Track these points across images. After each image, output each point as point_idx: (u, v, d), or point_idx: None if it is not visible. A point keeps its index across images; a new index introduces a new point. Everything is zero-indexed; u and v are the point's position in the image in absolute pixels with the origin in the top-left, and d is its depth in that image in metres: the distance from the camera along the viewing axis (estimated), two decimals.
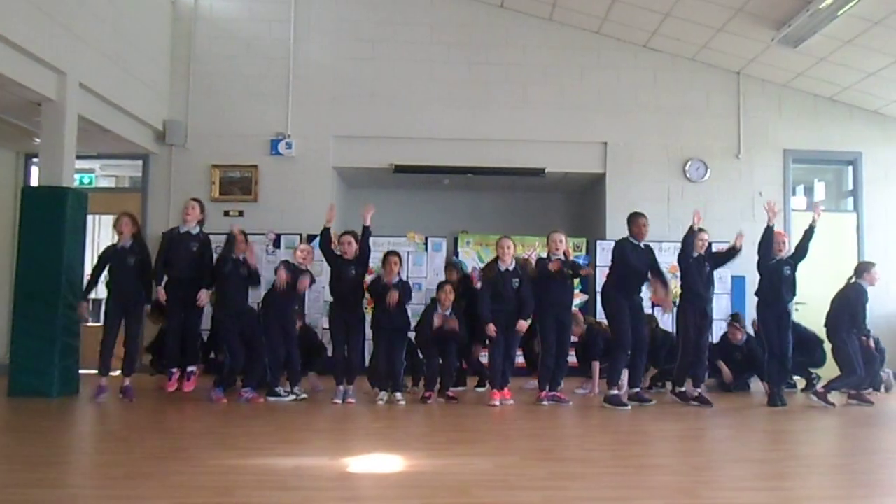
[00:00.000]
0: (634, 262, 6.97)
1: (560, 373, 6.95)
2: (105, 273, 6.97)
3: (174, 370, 7.01)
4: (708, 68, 9.91)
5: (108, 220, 9.79)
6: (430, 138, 9.75)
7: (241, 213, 9.40)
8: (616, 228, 9.59)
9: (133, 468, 4.31)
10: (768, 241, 7.20)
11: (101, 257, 7.07)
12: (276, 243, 9.21)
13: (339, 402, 6.67)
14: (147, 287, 7.01)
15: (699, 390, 7.02)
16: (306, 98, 9.69)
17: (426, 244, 9.44)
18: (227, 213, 9.39)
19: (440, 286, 7.21)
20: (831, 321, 7.23)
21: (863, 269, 7.40)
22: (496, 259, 7.05)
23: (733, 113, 9.91)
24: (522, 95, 9.85)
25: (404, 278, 7.33)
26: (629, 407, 6.65)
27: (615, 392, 6.76)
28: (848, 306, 7.18)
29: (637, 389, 6.94)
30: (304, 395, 6.95)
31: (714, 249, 7.39)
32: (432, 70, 9.83)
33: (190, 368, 7.02)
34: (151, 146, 9.36)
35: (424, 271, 9.26)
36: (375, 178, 10.42)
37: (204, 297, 6.87)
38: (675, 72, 9.91)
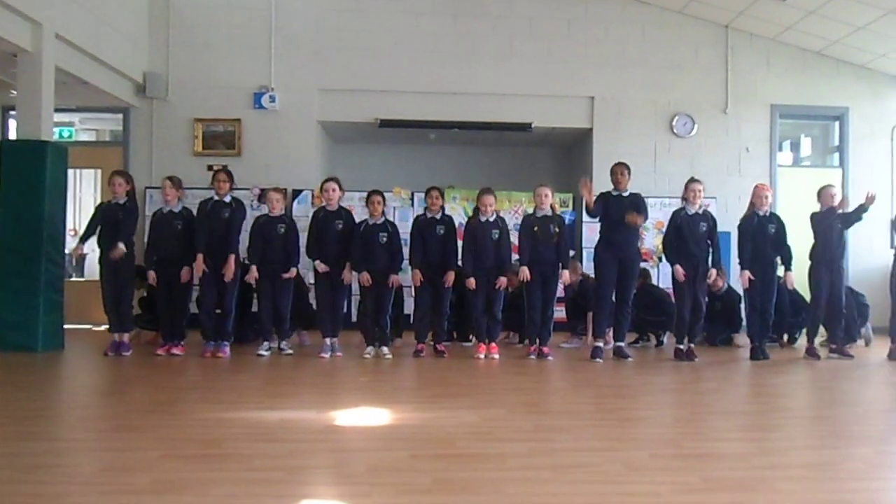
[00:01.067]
0: (614, 212, 6.89)
1: (546, 329, 6.93)
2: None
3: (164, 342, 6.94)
4: (696, 22, 9.84)
5: (89, 174, 9.73)
6: (415, 92, 9.66)
7: (224, 168, 9.29)
8: (603, 184, 9.59)
9: (121, 421, 4.34)
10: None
11: (93, 214, 7.04)
12: (261, 199, 9.14)
13: (327, 356, 6.70)
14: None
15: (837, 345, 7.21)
16: (289, 50, 9.56)
17: (412, 199, 9.42)
18: (210, 168, 9.27)
19: (428, 190, 7.17)
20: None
21: (819, 194, 7.46)
22: (476, 211, 7.03)
23: (721, 68, 9.87)
24: (509, 48, 9.76)
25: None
26: (600, 360, 6.75)
27: (598, 344, 6.87)
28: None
29: (621, 344, 7.01)
30: (290, 351, 6.97)
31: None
32: (418, 22, 9.70)
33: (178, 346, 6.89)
34: (132, 99, 9.23)
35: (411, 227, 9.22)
36: (361, 133, 10.35)
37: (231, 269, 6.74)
38: (664, 25, 9.84)
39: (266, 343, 6.75)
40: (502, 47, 9.74)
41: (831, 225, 7.27)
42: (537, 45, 9.76)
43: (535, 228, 6.79)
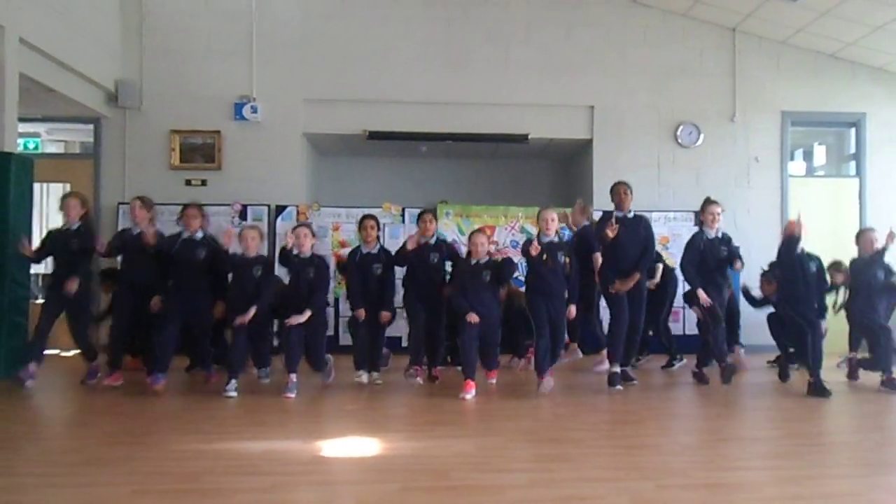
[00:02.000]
0: (621, 236, 6.63)
1: (553, 357, 6.63)
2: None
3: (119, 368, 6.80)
4: (701, 25, 9.91)
5: (57, 188, 9.70)
6: (406, 102, 9.68)
7: (203, 183, 9.31)
8: (604, 197, 9.62)
9: (89, 454, 4.30)
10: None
11: (42, 241, 6.92)
12: (243, 215, 9.15)
13: (291, 395, 6.25)
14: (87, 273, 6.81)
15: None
16: (272, 58, 9.58)
17: (403, 215, 9.40)
18: (188, 183, 9.31)
19: (420, 214, 7.13)
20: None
21: (858, 238, 7.32)
22: (468, 254, 6.79)
23: (728, 73, 9.92)
24: (504, 56, 9.80)
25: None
26: (622, 386, 6.63)
27: (616, 370, 6.63)
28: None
29: (625, 369, 6.93)
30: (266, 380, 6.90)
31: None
32: (408, 28, 9.74)
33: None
34: (103, 109, 9.22)
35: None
36: (348, 145, 10.36)
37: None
38: (667, 29, 9.90)
39: (233, 382, 6.33)
40: (497, 55, 9.79)
41: (875, 274, 7.02)
42: (534, 52, 9.81)
43: (544, 257, 6.50)
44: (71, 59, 8.17)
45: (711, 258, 6.93)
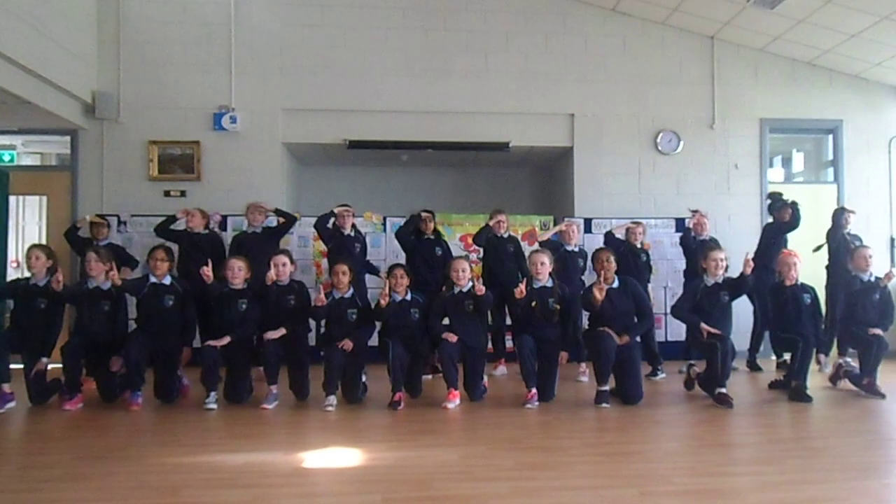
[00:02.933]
0: (607, 309, 6.39)
1: (549, 383, 6.49)
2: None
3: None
4: (680, 33, 9.99)
5: (34, 201, 9.62)
6: (385, 111, 9.68)
7: (182, 194, 9.26)
8: (584, 205, 9.72)
9: (67, 469, 4.25)
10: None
11: (4, 291, 6.73)
12: (223, 226, 9.10)
13: (269, 407, 6.19)
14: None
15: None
16: (251, 68, 9.55)
17: (384, 224, 9.39)
18: (167, 194, 9.25)
19: (391, 269, 6.74)
20: None
21: (853, 256, 7.38)
22: (452, 283, 6.57)
23: (707, 81, 10.00)
24: (483, 64, 9.83)
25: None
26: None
27: (604, 388, 6.36)
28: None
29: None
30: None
31: None
32: (387, 37, 9.75)
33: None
34: (80, 120, 9.15)
35: (383, 253, 9.22)
36: (329, 155, 10.35)
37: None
38: (646, 37, 9.97)
39: (213, 394, 6.24)
40: (477, 63, 9.82)
41: (870, 298, 7.02)
42: (514, 61, 9.85)
43: (533, 304, 6.38)
44: (47, 70, 8.10)
45: (710, 305, 6.58)
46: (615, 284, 6.52)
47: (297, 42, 9.63)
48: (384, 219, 9.41)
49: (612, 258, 6.60)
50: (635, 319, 6.52)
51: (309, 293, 6.77)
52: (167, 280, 6.55)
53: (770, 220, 8.73)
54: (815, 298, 6.93)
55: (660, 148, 9.91)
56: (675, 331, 8.81)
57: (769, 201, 8.70)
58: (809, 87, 10.07)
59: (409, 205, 10.22)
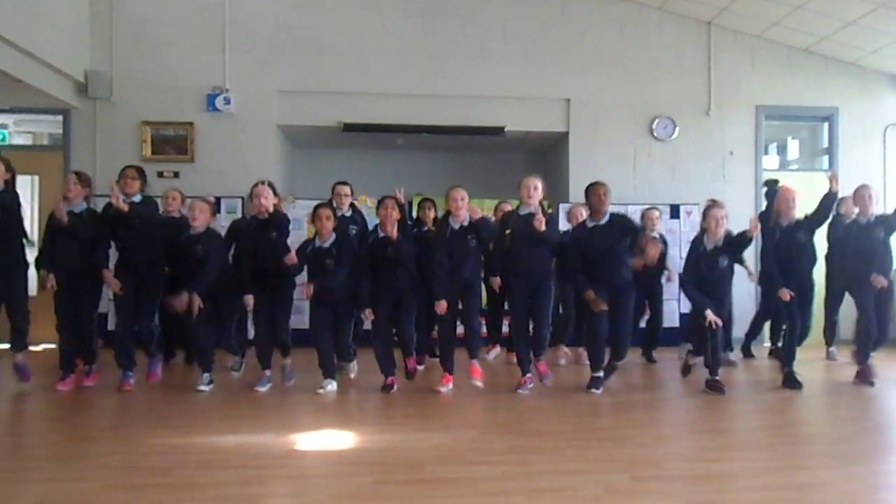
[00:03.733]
0: (597, 245, 6.16)
1: (539, 347, 6.33)
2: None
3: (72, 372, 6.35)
4: (677, 19, 9.96)
5: (25, 180, 9.54)
6: (381, 94, 9.64)
7: (176, 175, 9.22)
8: (580, 191, 9.57)
9: (61, 449, 4.27)
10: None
11: (47, 224, 6.47)
12: (216, 208, 9.04)
13: (262, 390, 6.17)
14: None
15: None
16: (246, 49, 9.49)
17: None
18: (161, 175, 9.21)
19: (380, 201, 6.37)
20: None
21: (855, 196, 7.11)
22: (447, 214, 6.33)
23: (703, 67, 9.98)
24: (480, 49, 9.79)
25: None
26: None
27: (598, 374, 6.31)
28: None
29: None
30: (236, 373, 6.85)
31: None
32: (384, 20, 9.70)
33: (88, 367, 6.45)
34: (72, 100, 9.09)
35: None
36: (323, 138, 10.31)
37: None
38: (643, 23, 9.94)
39: (206, 375, 6.19)
40: (474, 48, 9.78)
41: (874, 236, 6.77)
42: (510, 46, 9.81)
43: (507, 232, 6.16)
44: (38, 48, 8.04)
45: (708, 269, 6.33)
46: (604, 221, 6.22)
47: (292, 23, 9.57)
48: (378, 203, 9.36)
49: (607, 192, 6.23)
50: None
51: (289, 223, 6.43)
52: (137, 198, 6.32)
53: (764, 207, 8.73)
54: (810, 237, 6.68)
55: (655, 134, 9.91)
56: (669, 317, 8.80)
57: (765, 188, 8.69)
58: (806, 74, 10.06)
59: (404, 188, 10.18)
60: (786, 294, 6.41)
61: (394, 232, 6.17)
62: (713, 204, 6.41)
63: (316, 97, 9.60)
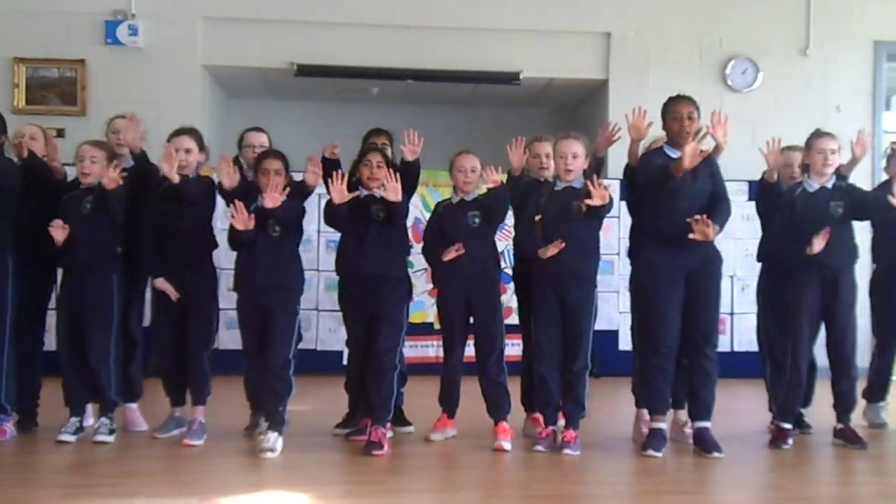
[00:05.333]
0: (677, 189, 5.81)
1: (573, 399, 5.95)
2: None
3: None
4: None
5: None
6: (350, 25, 9.67)
7: (60, 133, 9.13)
8: (623, 160, 9.63)
9: None
10: None
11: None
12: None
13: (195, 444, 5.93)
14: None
15: None
16: None
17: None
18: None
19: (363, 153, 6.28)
20: None
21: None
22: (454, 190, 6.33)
23: None
24: None
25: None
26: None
27: (660, 426, 5.90)
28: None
29: (706, 425, 5.95)
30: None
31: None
32: None
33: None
34: None
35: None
36: (269, 84, 10.31)
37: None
38: None
39: (74, 419, 5.98)
40: None
41: None
42: None
43: (537, 218, 5.93)
44: None
45: (816, 216, 6.01)
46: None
47: None
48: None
49: (696, 113, 6.05)
50: None
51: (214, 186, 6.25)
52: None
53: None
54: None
55: (729, 82, 9.92)
56: (746, 338, 8.72)
57: (888, 153, 8.23)
58: None
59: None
60: None
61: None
62: (820, 133, 6.30)
63: (258, 27, 9.65)
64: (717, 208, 5.80)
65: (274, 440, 5.57)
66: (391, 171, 5.89)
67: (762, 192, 6.80)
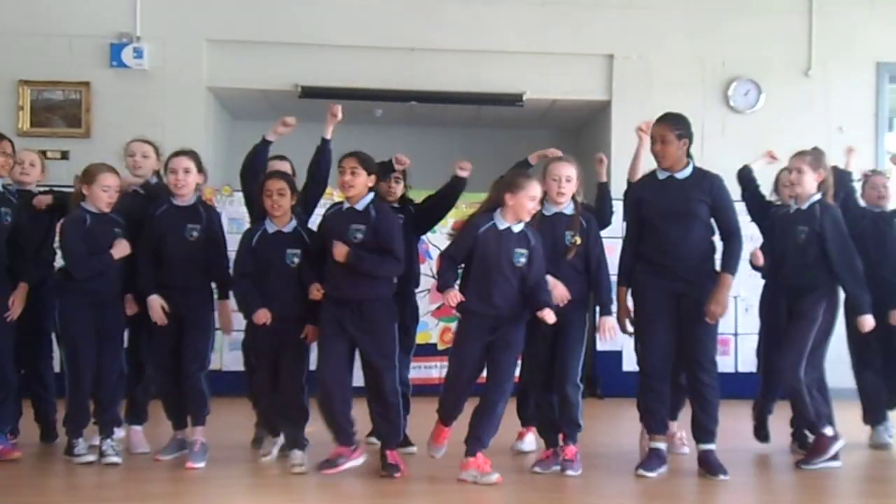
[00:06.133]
0: (662, 207, 5.88)
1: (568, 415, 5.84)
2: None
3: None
4: None
5: None
6: (354, 47, 9.69)
7: (64, 156, 9.20)
8: (624, 182, 9.59)
9: None
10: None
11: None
12: None
13: (197, 466, 5.90)
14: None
15: None
16: None
17: None
18: (44, 156, 9.13)
19: (342, 160, 6.29)
20: None
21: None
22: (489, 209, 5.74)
23: (803, 9, 9.97)
24: None
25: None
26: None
27: (658, 445, 5.85)
28: None
29: (710, 447, 5.89)
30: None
31: None
32: None
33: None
34: None
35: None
36: (274, 106, 10.31)
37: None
38: None
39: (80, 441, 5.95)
40: None
41: None
42: None
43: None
44: None
45: (788, 235, 6.38)
46: (682, 176, 6.01)
47: None
48: None
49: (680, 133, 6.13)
50: None
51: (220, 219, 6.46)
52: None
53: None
54: None
55: (732, 103, 9.91)
56: (748, 358, 8.65)
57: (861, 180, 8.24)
58: None
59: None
60: None
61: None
62: (876, 172, 6.79)
63: (262, 50, 9.64)
64: (726, 250, 5.94)
65: (301, 457, 5.72)
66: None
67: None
